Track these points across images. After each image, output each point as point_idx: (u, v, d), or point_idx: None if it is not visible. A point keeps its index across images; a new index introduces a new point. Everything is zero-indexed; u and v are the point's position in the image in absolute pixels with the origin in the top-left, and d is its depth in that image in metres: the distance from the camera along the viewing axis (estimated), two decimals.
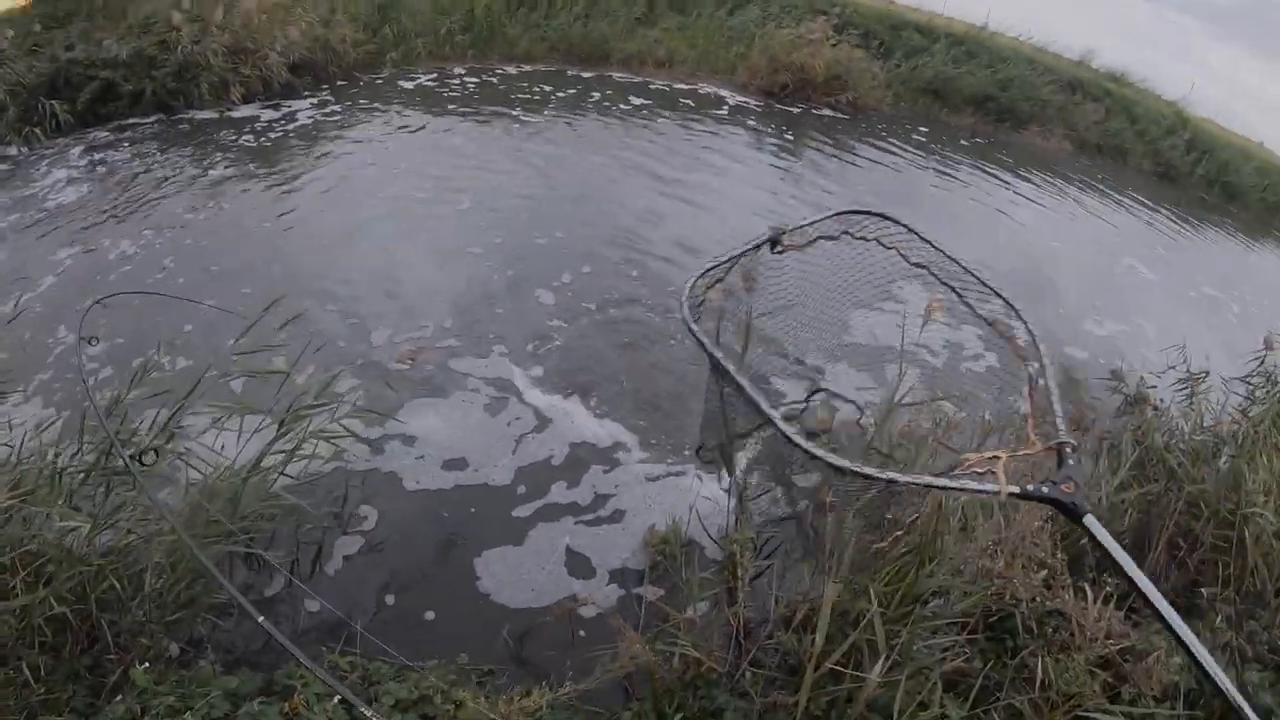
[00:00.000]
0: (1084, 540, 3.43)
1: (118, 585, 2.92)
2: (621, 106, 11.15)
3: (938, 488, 1.94)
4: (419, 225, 7.11)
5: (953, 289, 2.57)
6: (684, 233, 7.44)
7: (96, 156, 8.46)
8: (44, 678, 2.80)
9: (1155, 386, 5.65)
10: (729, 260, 2.52)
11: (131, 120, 9.41)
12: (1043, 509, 3.08)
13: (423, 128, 9.64)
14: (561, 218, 7.42)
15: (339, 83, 10.95)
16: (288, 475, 3.73)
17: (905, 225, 2.62)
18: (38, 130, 8.81)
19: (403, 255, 6.57)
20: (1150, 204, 12.59)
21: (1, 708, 2.68)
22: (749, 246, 2.54)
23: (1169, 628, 1.78)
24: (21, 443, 3.34)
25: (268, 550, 3.64)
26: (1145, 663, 2.99)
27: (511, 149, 9.08)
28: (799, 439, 1.93)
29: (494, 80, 11.59)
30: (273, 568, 3.73)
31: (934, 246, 2.56)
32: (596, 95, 11.48)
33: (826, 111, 12.48)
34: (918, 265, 2.60)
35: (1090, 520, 1.87)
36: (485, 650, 3.45)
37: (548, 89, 11.40)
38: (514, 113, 10.32)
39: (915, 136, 12.47)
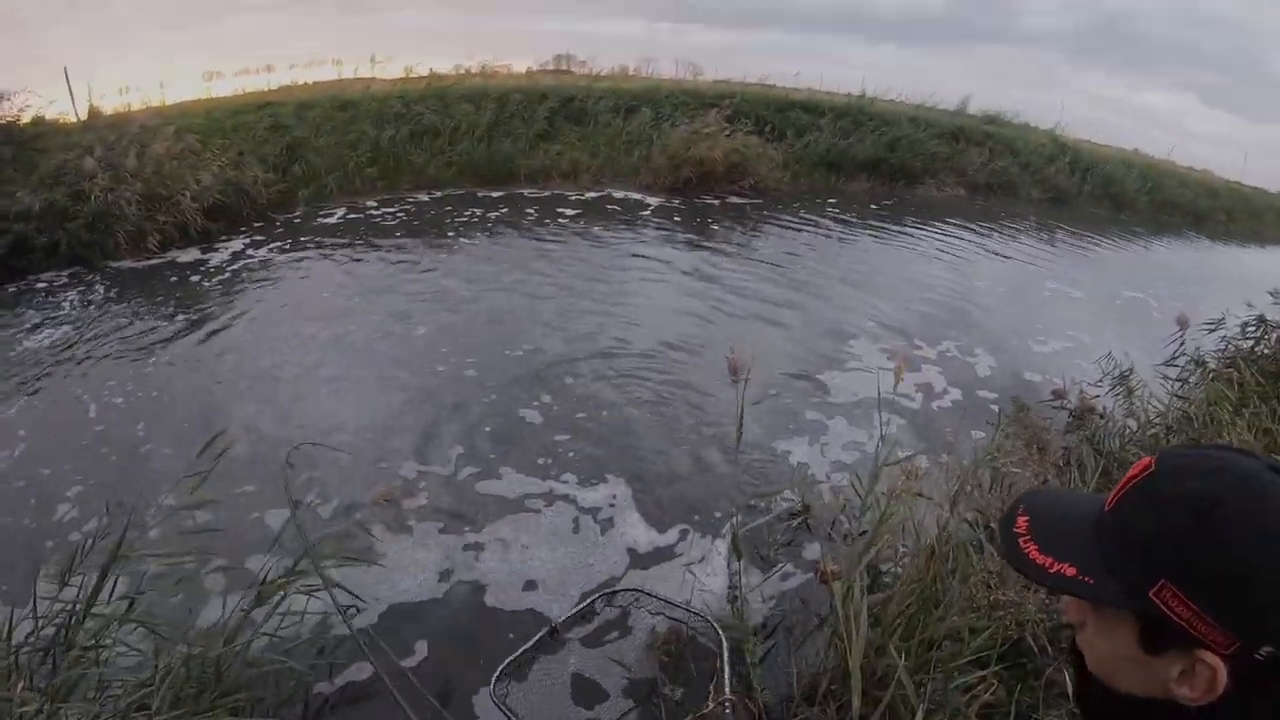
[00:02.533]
0: None
1: None
2: (533, 221, 11.36)
3: None
4: (365, 360, 6.97)
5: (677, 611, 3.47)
6: (624, 335, 7.48)
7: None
8: None
9: (1098, 395, 5.93)
10: (520, 654, 3.23)
11: (46, 274, 9.16)
12: None
13: (346, 260, 9.64)
14: (493, 339, 7.39)
15: (255, 224, 10.92)
16: (277, 636, 3.52)
17: (644, 591, 3.51)
18: None
19: (356, 392, 6.41)
20: (1050, 228, 13.35)
21: None
22: (534, 641, 3.29)
23: None
24: None
25: (253, 714, 3.29)
26: None
27: (438, 274, 9.12)
28: None
29: (407, 209, 11.74)
30: None
31: (660, 598, 3.49)
32: (507, 211, 11.69)
33: (733, 199, 12.89)
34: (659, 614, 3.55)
35: None
36: None
37: (460, 212, 11.58)
38: (431, 238, 10.46)
39: (829, 209, 12.95)
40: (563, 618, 3.16)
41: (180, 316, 7.99)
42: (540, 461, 5.39)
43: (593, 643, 3.77)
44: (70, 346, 7.31)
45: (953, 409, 6.34)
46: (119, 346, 7.29)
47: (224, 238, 10.36)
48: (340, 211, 11.52)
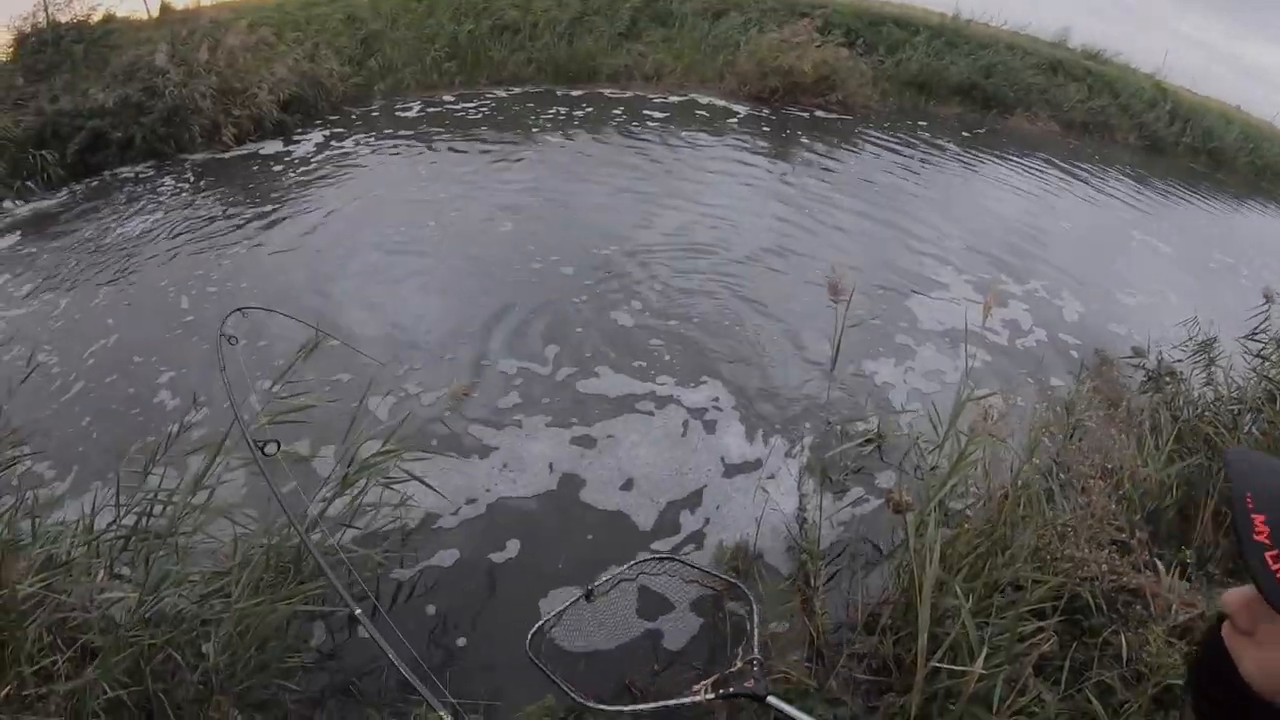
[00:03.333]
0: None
1: (177, 657, 2.78)
2: (619, 121, 11.17)
3: (683, 702, 2.81)
4: (450, 254, 7.09)
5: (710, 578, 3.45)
6: (713, 241, 7.47)
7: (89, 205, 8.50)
8: None
9: (1180, 360, 5.79)
10: (555, 616, 3.25)
11: (123, 169, 9.44)
12: None
13: (425, 154, 9.68)
14: (582, 238, 7.41)
15: (331, 117, 11.01)
16: (355, 527, 3.71)
17: (680, 560, 3.46)
18: (29, 183, 8.93)
19: (442, 286, 6.54)
20: (1144, 177, 12.74)
21: None
22: (570, 604, 3.28)
23: None
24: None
25: (324, 603, 3.47)
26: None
27: (522, 171, 9.11)
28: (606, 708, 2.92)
29: (486, 105, 11.63)
30: (332, 621, 3.63)
31: (695, 567, 3.43)
32: (592, 111, 11.51)
33: (820, 113, 12.49)
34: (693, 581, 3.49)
35: (772, 700, 2.57)
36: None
37: (541, 109, 11.42)
38: (513, 134, 10.36)
39: (921, 132, 12.49)
40: (599, 582, 3.30)
41: (260, 208, 8.17)
42: (636, 364, 5.53)
43: (628, 606, 3.82)
44: (153, 238, 7.57)
45: (1035, 350, 6.30)
46: (201, 237, 7.51)
47: (300, 131, 10.47)
48: (417, 106, 11.49)
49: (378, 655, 3.47)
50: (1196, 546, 3.75)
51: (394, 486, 3.75)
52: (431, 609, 3.78)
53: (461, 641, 3.64)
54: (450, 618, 3.74)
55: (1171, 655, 2.97)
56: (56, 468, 4.61)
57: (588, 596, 3.39)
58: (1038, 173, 11.53)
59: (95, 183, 9.18)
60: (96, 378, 5.46)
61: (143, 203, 8.48)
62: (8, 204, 8.68)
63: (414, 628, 3.66)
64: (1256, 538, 0.78)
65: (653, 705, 2.88)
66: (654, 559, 3.45)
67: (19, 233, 8.01)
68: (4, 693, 2.52)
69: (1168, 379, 5.65)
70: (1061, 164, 12.12)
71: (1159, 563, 3.27)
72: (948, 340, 6.17)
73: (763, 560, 3.84)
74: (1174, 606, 3.10)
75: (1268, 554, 0.77)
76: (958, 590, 2.93)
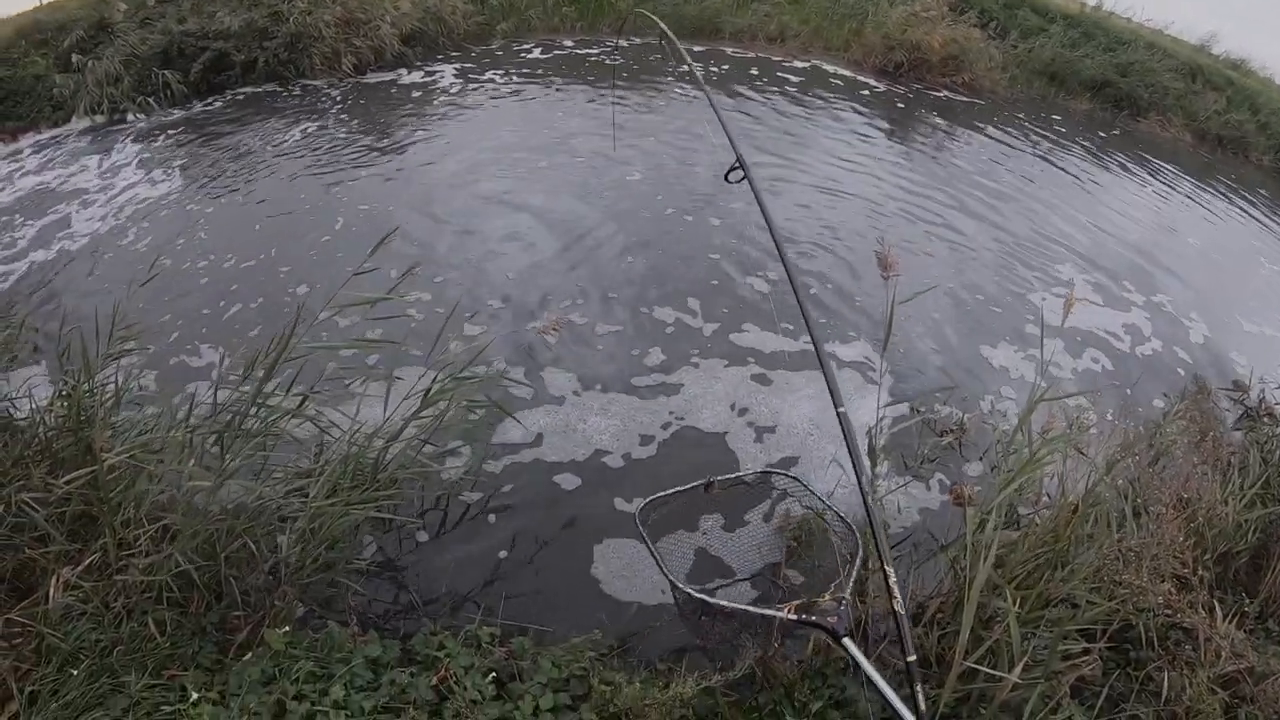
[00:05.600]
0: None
1: (251, 546, 2.93)
2: (739, 81, 11.03)
3: (765, 614, 2.86)
4: (568, 196, 7.25)
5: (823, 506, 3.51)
6: (832, 220, 7.44)
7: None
8: (170, 633, 2.81)
9: None
10: (672, 494, 3.39)
11: (245, 89, 9.84)
12: None
13: (545, 94, 9.84)
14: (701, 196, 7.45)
15: (452, 53, 11.18)
16: (431, 444, 3.87)
17: (801, 481, 3.54)
18: (151, 99, 9.39)
19: (557, 228, 6.70)
20: (1277, 203, 11.97)
21: (130, 660, 2.69)
22: (689, 487, 3.41)
23: None
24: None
25: (396, 513, 3.66)
26: (1267, 684, 3.01)
27: (646, 120, 9.17)
28: (691, 591, 2.97)
29: (607, 52, 11.64)
30: (402, 532, 3.81)
31: (812, 491, 3.52)
32: (709, 68, 11.37)
33: (944, 93, 12.13)
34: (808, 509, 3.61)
35: (846, 642, 2.58)
36: (617, 626, 3.50)
37: (666, 60, 11.25)
38: (634, 84, 10.37)
39: (1056, 127, 11.99)
40: (722, 477, 3.36)
41: (379, 135, 8.46)
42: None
43: (738, 509, 4.03)
44: (273, 157, 7.96)
45: (1146, 363, 6.15)
46: (320, 158, 7.86)
47: (419, 65, 10.68)
48: (538, 49, 11.56)
49: (439, 570, 3.68)
50: (1262, 598, 3.63)
51: (475, 411, 3.90)
52: (495, 533, 3.94)
53: (520, 566, 3.78)
54: (512, 543, 3.89)
55: (1211, 703, 2.92)
56: (166, 363, 4.96)
57: (706, 487, 3.53)
58: (1167, 184, 10.95)
59: (216, 101, 9.62)
60: (212, 283, 5.83)
61: (263, 122, 8.87)
62: (130, 116, 9.22)
63: (476, 547, 3.84)
64: None
65: (733, 605, 2.93)
66: (779, 473, 3.55)
67: (144, 142, 8.51)
68: (88, 560, 2.76)
69: (1266, 419, 5.42)
70: (1193, 178, 11.47)
71: (1218, 606, 3.19)
72: (1068, 340, 6.09)
73: (828, 540, 3.87)
74: (1223, 654, 3.03)
75: None
76: (1008, 594, 2.92)
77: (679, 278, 6.07)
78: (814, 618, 2.73)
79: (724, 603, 2.94)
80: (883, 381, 5.02)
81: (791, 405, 4.91)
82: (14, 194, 7.54)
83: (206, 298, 5.66)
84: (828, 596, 2.84)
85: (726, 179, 3.48)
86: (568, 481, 4.28)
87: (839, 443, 3.56)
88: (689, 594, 2.97)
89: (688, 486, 3.51)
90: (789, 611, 2.77)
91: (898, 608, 2.43)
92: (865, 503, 2.69)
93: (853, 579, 2.87)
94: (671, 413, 4.81)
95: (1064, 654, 2.91)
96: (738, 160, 3.47)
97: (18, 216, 7.06)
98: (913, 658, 2.38)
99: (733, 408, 4.88)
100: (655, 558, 3.02)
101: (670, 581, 3.02)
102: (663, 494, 3.44)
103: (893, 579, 2.47)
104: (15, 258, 6.34)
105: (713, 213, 7.08)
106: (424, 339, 4.58)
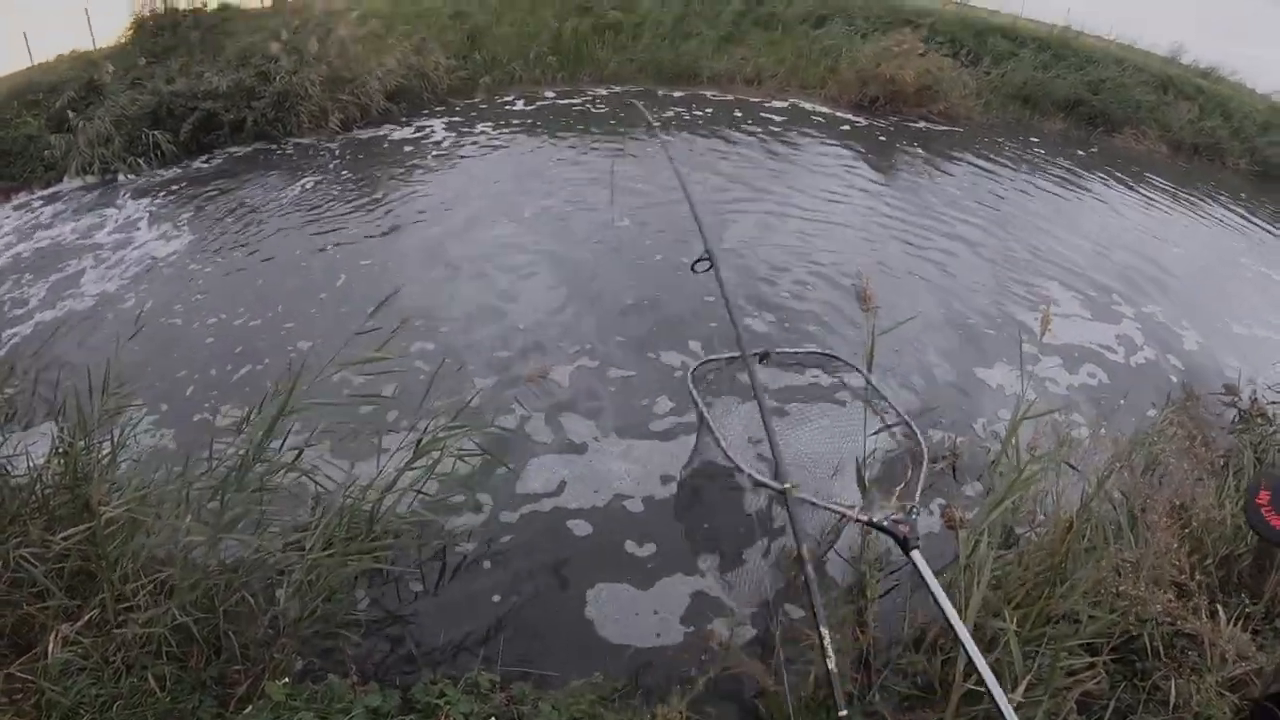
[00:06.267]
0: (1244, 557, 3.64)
1: (250, 600, 2.96)
2: (724, 124, 11.25)
3: (832, 510, 3.03)
4: (555, 245, 7.33)
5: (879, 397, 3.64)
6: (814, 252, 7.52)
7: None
8: (170, 688, 2.82)
9: (1276, 402, 5.55)
10: (726, 358, 3.50)
11: (233, 148, 10.00)
12: None
13: (529, 146, 10.03)
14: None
15: (436, 108, 11.42)
16: (424, 493, 3.86)
17: (864, 373, 3.57)
18: (140, 160, 9.51)
19: (543, 278, 6.75)
20: (1255, 206, 12.06)
21: (131, 715, 2.69)
22: (746, 354, 3.34)
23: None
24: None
25: (395, 564, 3.68)
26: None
27: (631, 169, 9.23)
28: (739, 463, 3.13)
29: (588, 100, 11.90)
30: (399, 583, 3.81)
31: (874, 387, 3.64)
32: (693, 113, 11.62)
33: (921, 123, 12.34)
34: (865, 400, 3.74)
35: (916, 555, 2.58)
36: (618, 666, 3.47)
37: (650, 107, 11.52)
38: (613, 133, 10.55)
39: (1034, 149, 12.21)
40: (780, 350, 3.31)
41: (368, 190, 8.61)
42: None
43: (791, 386, 4.05)
44: (261, 215, 8.07)
45: (1133, 374, 6.17)
46: (309, 215, 7.99)
47: (404, 120, 10.89)
48: (521, 101, 11.80)
49: (437, 619, 3.67)
50: (1267, 599, 3.61)
51: (465, 459, 3.90)
52: (493, 579, 3.94)
53: (517, 613, 3.77)
54: (510, 589, 3.89)
55: (1221, 707, 2.90)
56: (167, 419, 5.00)
57: (762, 357, 3.53)
58: (1145, 195, 11.09)
59: (211, 160, 9.77)
60: (218, 342, 5.93)
61: (261, 179, 9.03)
62: (121, 177, 9.36)
63: (473, 595, 3.83)
64: (1258, 501, 1.10)
65: (807, 498, 2.97)
66: (840, 359, 3.45)
67: (142, 200, 8.67)
68: (87, 616, 2.79)
69: (1259, 420, 5.43)
70: (1172, 188, 11.61)
71: (1221, 610, 3.18)
72: (1064, 356, 6.14)
73: (823, 568, 3.86)
74: (1229, 658, 3.02)
75: (1263, 509, 1.08)
76: (1005, 614, 2.91)
77: (679, 320, 6.05)
78: (886, 524, 2.75)
79: (802, 494, 2.87)
80: (871, 409, 5.04)
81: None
82: (14, 253, 7.67)
83: (212, 355, 5.73)
84: (894, 503, 2.90)
85: (694, 269, 3.53)
86: (579, 527, 4.28)
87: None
88: (752, 476, 3.03)
89: (739, 354, 3.44)
90: (860, 512, 2.83)
91: (831, 666, 2.47)
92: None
93: (920, 486, 2.84)
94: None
95: (1067, 670, 2.90)
96: (706, 251, 3.52)
97: (23, 275, 7.18)
98: (843, 713, 2.39)
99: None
100: (708, 422, 3.05)
101: (723, 451, 3.05)
102: (716, 357, 3.37)
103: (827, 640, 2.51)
104: (19, 320, 6.42)
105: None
106: (420, 392, 4.58)
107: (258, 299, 6.43)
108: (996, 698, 2.29)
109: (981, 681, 2.80)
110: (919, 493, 2.76)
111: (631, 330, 5.93)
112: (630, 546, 4.16)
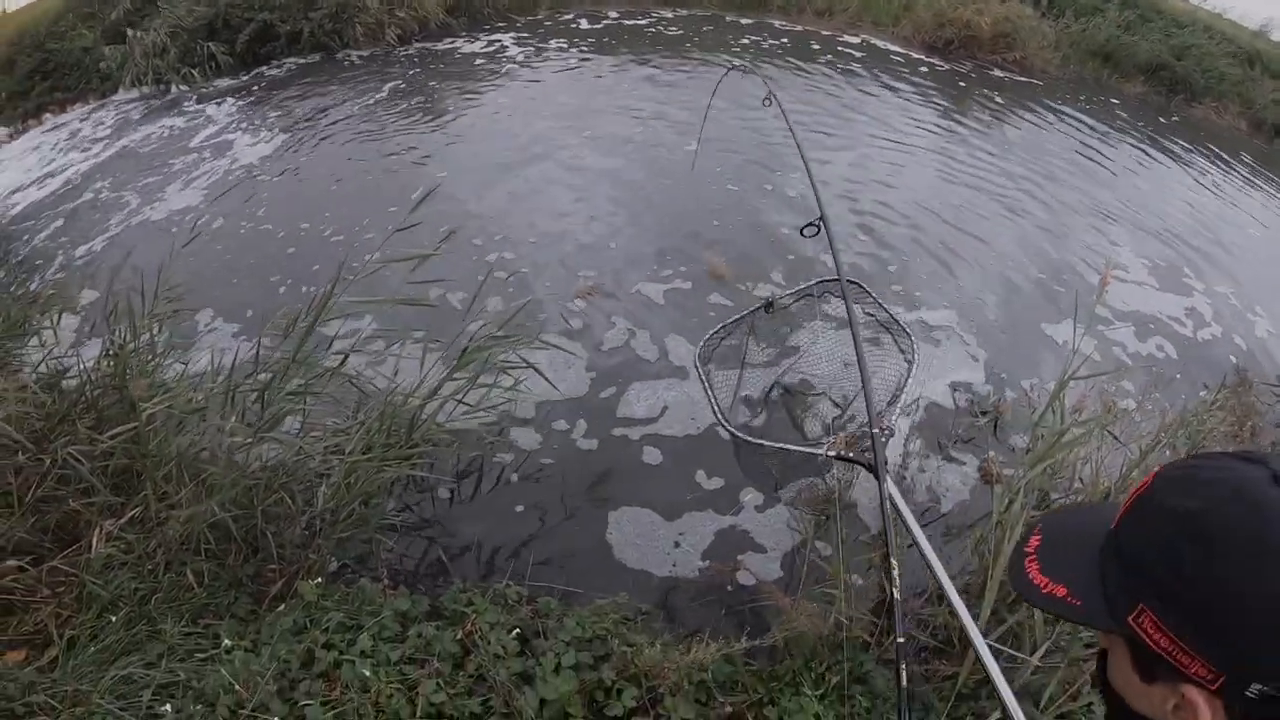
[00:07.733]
0: None
1: (288, 500, 2.98)
2: (802, 56, 10.88)
3: (789, 449, 3.20)
4: (607, 166, 7.15)
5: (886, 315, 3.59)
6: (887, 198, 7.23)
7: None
8: (207, 583, 2.88)
9: None
10: (733, 322, 3.42)
11: (289, 59, 9.93)
12: None
13: (591, 64, 9.77)
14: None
15: (497, 23, 11.22)
16: (466, 403, 3.87)
17: (862, 285, 3.55)
18: (195, 71, 9.49)
19: (597, 197, 6.61)
20: None
21: (168, 608, 2.75)
22: (748, 312, 3.46)
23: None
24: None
25: (432, 471, 3.73)
26: None
27: (690, 94, 8.93)
28: (735, 432, 3.24)
29: (653, 22, 11.57)
30: (433, 491, 3.83)
31: (875, 298, 3.56)
32: (768, 42, 11.26)
33: (998, 71, 11.89)
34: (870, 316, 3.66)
35: (888, 484, 2.60)
36: (642, 592, 3.47)
37: (710, 33, 11.27)
38: (681, 56, 10.25)
39: (1119, 113, 11.65)
40: (782, 295, 3.33)
41: (424, 103, 8.45)
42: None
43: (800, 326, 4.12)
44: (318, 125, 8.00)
45: (1196, 351, 5.94)
46: (367, 128, 7.89)
47: (464, 34, 10.69)
48: (584, 21, 11.51)
49: (469, 530, 3.72)
50: None
51: (509, 371, 3.86)
52: (527, 493, 3.94)
53: (548, 529, 3.78)
54: (542, 505, 3.88)
55: None
56: (213, 324, 5.07)
57: (767, 307, 3.56)
58: (1226, 170, 10.61)
59: (261, 71, 9.73)
60: (262, 245, 5.96)
61: (309, 91, 8.94)
62: (175, 89, 9.40)
63: (506, 510, 3.85)
64: (1026, 548, 0.91)
65: (774, 444, 3.13)
66: (836, 281, 3.46)
67: (191, 112, 8.64)
68: (130, 513, 2.85)
69: None
70: (1251, 166, 11.11)
71: None
72: (1124, 323, 5.94)
73: (854, 511, 3.84)
74: None
75: (1026, 559, 0.89)
76: None
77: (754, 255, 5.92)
78: (853, 455, 2.75)
79: (764, 442, 3.12)
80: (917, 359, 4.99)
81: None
82: (81, 166, 7.73)
83: (273, 261, 5.76)
84: (874, 428, 2.82)
85: (802, 234, 3.48)
86: (647, 451, 4.21)
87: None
88: (733, 433, 3.12)
89: (745, 313, 3.53)
90: (829, 449, 2.82)
91: (897, 594, 2.48)
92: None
93: (900, 404, 2.82)
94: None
95: (1086, 641, 2.89)
96: (820, 216, 3.46)
97: (103, 182, 7.24)
98: (901, 639, 2.38)
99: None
100: (711, 396, 3.07)
101: (725, 425, 3.09)
102: (720, 326, 3.37)
103: (896, 570, 2.53)
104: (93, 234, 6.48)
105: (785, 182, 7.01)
106: (465, 309, 4.56)
107: (328, 206, 6.44)
108: (980, 650, 2.30)
109: (1002, 639, 2.84)
110: (896, 412, 2.80)
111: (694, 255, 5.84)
112: (672, 471, 4.10)
